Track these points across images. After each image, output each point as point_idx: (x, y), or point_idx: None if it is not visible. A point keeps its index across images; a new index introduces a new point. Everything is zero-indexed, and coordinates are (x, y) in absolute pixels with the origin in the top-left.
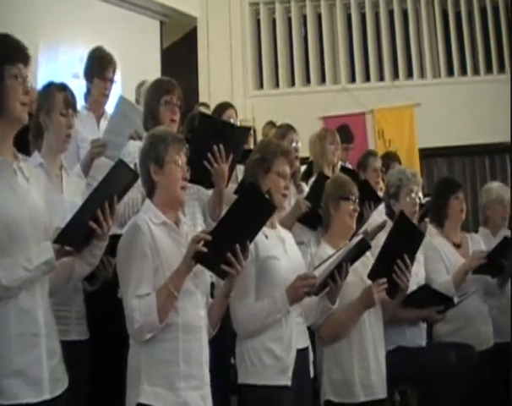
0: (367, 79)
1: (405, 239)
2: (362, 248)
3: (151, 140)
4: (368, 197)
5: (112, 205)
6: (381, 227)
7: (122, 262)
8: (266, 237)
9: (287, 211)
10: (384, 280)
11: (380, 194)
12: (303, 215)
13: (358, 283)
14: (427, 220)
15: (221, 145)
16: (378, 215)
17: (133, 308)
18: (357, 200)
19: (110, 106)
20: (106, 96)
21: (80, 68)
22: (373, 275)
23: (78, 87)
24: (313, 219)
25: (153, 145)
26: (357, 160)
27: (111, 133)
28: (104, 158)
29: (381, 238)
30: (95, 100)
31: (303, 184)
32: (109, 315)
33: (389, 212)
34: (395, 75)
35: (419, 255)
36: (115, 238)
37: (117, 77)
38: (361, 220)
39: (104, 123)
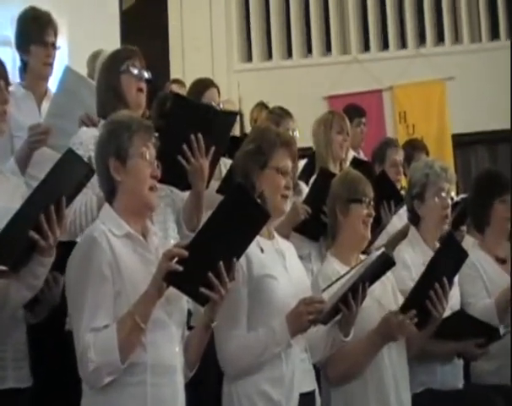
0: (385, 46)
1: (446, 261)
2: (383, 264)
3: (111, 128)
4: (387, 196)
5: (60, 210)
6: (403, 234)
7: (74, 285)
8: (262, 250)
9: (281, 219)
10: (414, 312)
11: (402, 193)
12: (302, 223)
13: (375, 308)
14: (463, 229)
15: (200, 135)
16: (399, 220)
17: (86, 344)
18: (372, 203)
19: (54, 85)
20: (49, 66)
21: (11, 33)
22: (407, 308)
23: (11, 60)
24: (313, 228)
25: (113, 134)
26: (372, 150)
27: (56, 116)
28: (47, 149)
29: (403, 249)
30: (35, 74)
31: (302, 184)
32: (58, 355)
33: (413, 217)
34: (421, 41)
35: None
36: (65, 247)
37: (62, 42)
38: (377, 227)
39: (47, 106)
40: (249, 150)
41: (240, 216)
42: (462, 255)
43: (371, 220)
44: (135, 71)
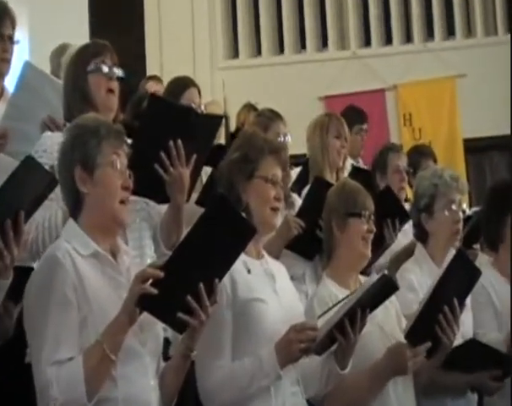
0: (388, 41)
1: (457, 281)
2: (384, 288)
3: (76, 133)
4: (391, 213)
5: (18, 226)
6: (408, 252)
7: (33, 312)
8: (248, 271)
9: (271, 235)
10: (428, 345)
11: (407, 206)
12: (294, 239)
13: (377, 335)
14: (476, 248)
15: (180, 141)
16: (403, 236)
17: (48, 379)
18: (373, 217)
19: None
20: (6, 62)
21: None
22: (412, 335)
23: None
24: (308, 245)
25: (78, 139)
26: (373, 157)
27: (14, 118)
28: (4, 156)
29: (408, 269)
30: None
31: (294, 196)
32: (16, 391)
33: (419, 233)
34: (429, 34)
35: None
36: (22, 274)
37: (21, 35)
38: (379, 245)
39: (3, 107)
40: (234, 158)
41: (223, 232)
42: (475, 274)
43: (371, 236)
44: (105, 69)
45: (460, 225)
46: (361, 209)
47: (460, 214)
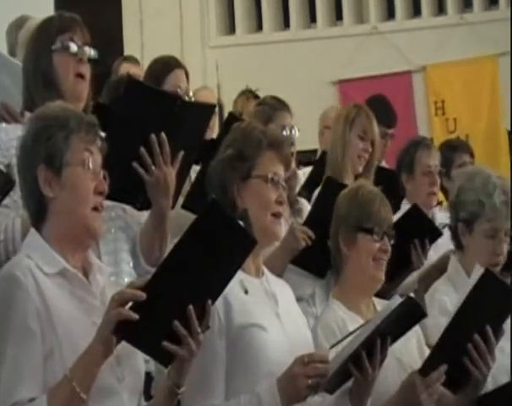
0: (416, 13)
1: (488, 304)
2: (410, 314)
3: (39, 126)
4: (420, 233)
5: None
6: (439, 268)
7: None
8: (246, 291)
9: (273, 247)
10: (442, 371)
11: (438, 213)
12: (302, 252)
13: (394, 369)
14: None
15: (164, 135)
16: (434, 250)
17: None
18: (390, 233)
19: None
20: None
21: None
22: (429, 368)
23: None
24: (318, 259)
25: (43, 133)
26: (398, 154)
27: None
28: None
29: (441, 289)
30: None
31: (303, 201)
32: None
33: (457, 243)
34: (465, 5)
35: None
36: None
37: None
38: (405, 268)
39: None
40: (227, 155)
41: (216, 245)
42: (509, 296)
43: (385, 257)
44: (74, 48)
45: (502, 258)
46: (374, 224)
47: (504, 247)
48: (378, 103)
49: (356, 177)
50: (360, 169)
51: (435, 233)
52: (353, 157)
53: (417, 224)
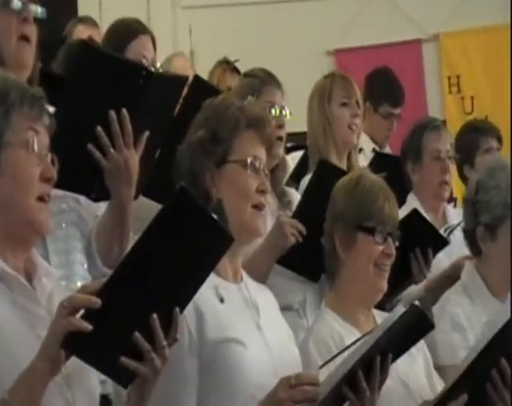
0: None
1: None
2: (415, 326)
3: None
4: (421, 240)
5: None
6: (452, 276)
7: None
8: (221, 300)
9: (255, 244)
10: (462, 402)
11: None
12: (291, 251)
13: (399, 393)
14: None
15: (125, 112)
16: (446, 256)
17: None
18: (395, 235)
19: None
20: None
21: None
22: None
23: None
24: (309, 260)
25: None
26: (404, 138)
27: None
28: None
29: (454, 300)
30: None
31: (292, 191)
32: None
33: (474, 248)
34: None
35: None
36: None
37: None
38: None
39: None
40: (198, 137)
41: (184, 242)
42: None
43: (389, 262)
44: (17, 5)
45: None
46: (376, 222)
47: None
48: (382, 78)
49: (350, 153)
50: (354, 140)
51: (440, 242)
52: (342, 130)
53: (419, 231)
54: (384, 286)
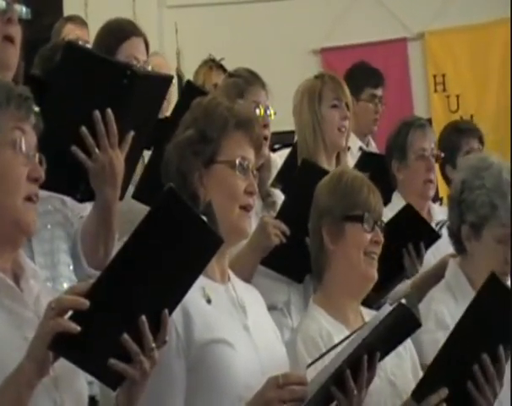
0: None
1: (497, 318)
2: (402, 324)
3: None
4: (414, 234)
5: None
6: (437, 274)
7: None
8: (208, 301)
9: (240, 245)
10: (442, 396)
11: (437, 208)
12: (275, 251)
13: (386, 392)
14: None
15: (110, 112)
16: (432, 254)
17: None
18: (381, 223)
19: None
20: None
21: None
22: (424, 391)
23: None
24: (294, 260)
25: None
26: (389, 136)
27: None
28: None
29: (438, 298)
30: None
31: (277, 192)
32: None
33: (458, 247)
34: None
35: None
36: None
37: None
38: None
39: None
40: (187, 137)
41: (173, 244)
42: None
43: (377, 250)
44: (0, 4)
45: None
46: (363, 210)
47: None
48: (358, 68)
49: (339, 154)
50: (343, 143)
51: (432, 236)
52: (332, 133)
53: (411, 225)
54: (375, 274)
